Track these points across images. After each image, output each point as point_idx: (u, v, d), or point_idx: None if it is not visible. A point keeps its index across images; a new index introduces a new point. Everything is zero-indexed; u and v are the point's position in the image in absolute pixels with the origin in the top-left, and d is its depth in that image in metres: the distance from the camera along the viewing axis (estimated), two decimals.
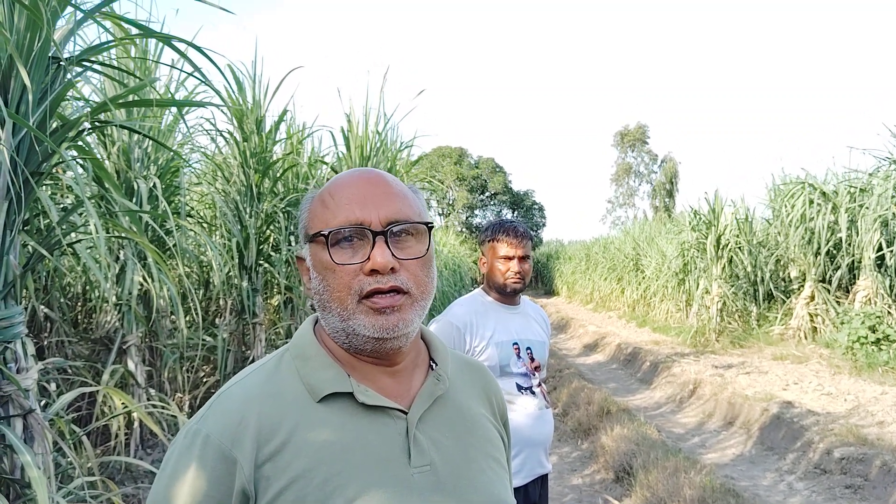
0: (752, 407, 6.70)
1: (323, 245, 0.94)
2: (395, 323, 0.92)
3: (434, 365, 1.05)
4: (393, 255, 0.92)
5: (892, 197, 9.54)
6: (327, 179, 7.40)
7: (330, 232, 0.93)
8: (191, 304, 5.53)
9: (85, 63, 2.51)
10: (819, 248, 10.57)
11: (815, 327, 10.49)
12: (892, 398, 6.81)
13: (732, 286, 11.82)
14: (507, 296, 2.62)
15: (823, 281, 10.72)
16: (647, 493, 4.51)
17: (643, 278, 17.64)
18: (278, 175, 6.07)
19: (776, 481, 5.19)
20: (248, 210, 5.70)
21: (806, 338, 10.46)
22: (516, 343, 2.53)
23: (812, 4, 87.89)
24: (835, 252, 10.70)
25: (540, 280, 38.57)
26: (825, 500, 4.71)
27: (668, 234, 16.59)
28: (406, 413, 0.95)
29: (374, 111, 7.07)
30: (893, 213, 9.45)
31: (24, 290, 4.01)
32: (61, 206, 4.19)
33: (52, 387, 3.97)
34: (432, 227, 0.99)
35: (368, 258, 0.91)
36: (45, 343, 4.57)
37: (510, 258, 2.56)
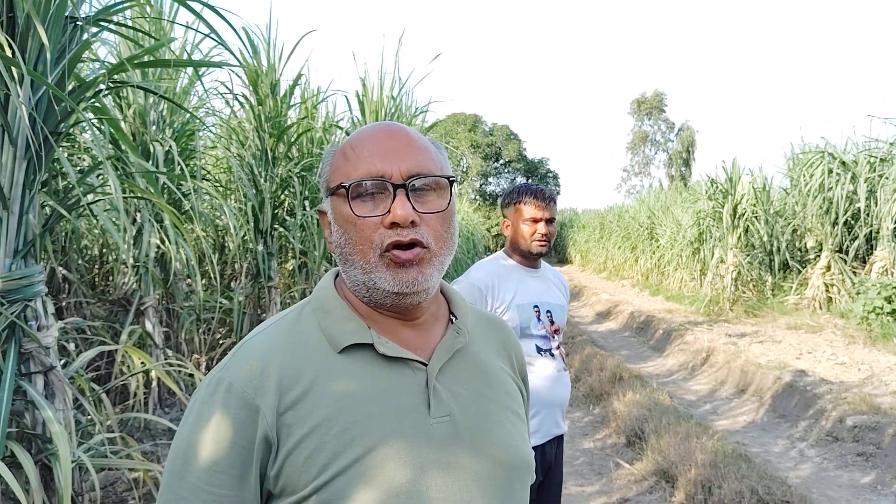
0: (764, 375, 6.71)
1: (344, 198, 0.94)
2: (415, 277, 0.92)
3: (454, 318, 1.05)
4: (413, 208, 0.92)
5: None
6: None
7: (351, 184, 0.92)
8: (207, 268, 5.58)
9: (101, 23, 2.51)
10: (837, 217, 10.46)
11: (831, 297, 10.43)
12: None
13: (748, 255, 11.76)
14: (529, 259, 2.63)
15: (840, 251, 10.63)
16: (659, 457, 4.54)
17: (657, 247, 17.57)
18: (293, 139, 6.07)
19: (787, 448, 5.21)
20: (262, 174, 5.71)
21: (821, 308, 10.41)
22: (537, 306, 2.54)
23: None
24: (852, 222, 10.59)
25: (553, 248, 38.53)
26: (836, 467, 4.73)
27: (684, 202, 16.49)
28: (426, 365, 0.96)
29: (389, 76, 7.03)
30: None
31: (44, 251, 4.06)
32: (78, 167, 4.21)
33: (72, 346, 4.04)
34: (454, 181, 0.99)
35: (389, 211, 0.91)
36: (64, 304, 4.64)
37: (537, 220, 2.56)
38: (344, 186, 0.93)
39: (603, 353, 8.45)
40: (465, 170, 47.97)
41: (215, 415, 0.87)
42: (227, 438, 0.86)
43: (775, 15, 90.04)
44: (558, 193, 52.98)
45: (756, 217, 11.86)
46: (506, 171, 51.31)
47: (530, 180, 50.30)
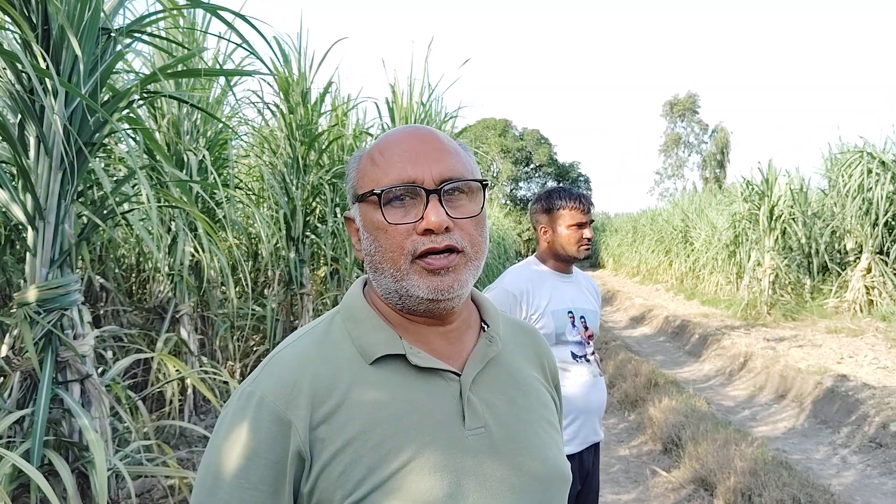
0: (804, 380, 6.55)
1: (374, 204, 0.91)
2: (451, 284, 0.90)
3: (486, 326, 1.02)
4: (447, 213, 0.90)
5: None
6: None
7: (382, 191, 0.90)
8: (240, 275, 5.63)
9: (134, 34, 2.54)
10: (877, 218, 10.21)
11: (872, 300, 10.18)
12: None
13: (785, 258, 11.53)
14: (564, 264, 2.61)
15: (881, 253, 10.37)
16: (697, 464, 4.45)
17: (692, 250, 17.34)
18: (324, 147, 6.10)
19: (829, 455, 5.08)
20: (294, 182, 5.75)
21: (861, 311, 10.16)
22: (571, 311, 2.52)
23: None
24: (893, 223, 10.33)
25: (590, 250, 38.26)
26: (881, 474, 4.59)
27: (719, 205, 16.24)
28: (459, 375, 0.94)
29: (419, 82, 7.06)
30: None
31: (80, 260, 4.12)
32: (114, 177, 4.28)
33: (109, 354, 4.09)
34: (486, 184, 0.97)
35: (422, 217, 0.89)
36: (101, 312, 4.71)
37: (581, 225, 2.54)
38: (376, 193, 0.91)
39: (637, 358, 8.34)
40: (495, 175, 47.94)
41: (246, 429, 0.86)
42: (258, 454, 0.84)
43: (810, 15, 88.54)
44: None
45: (793, 219, 11.62)
46: (536, 175, 51.19)
47: (562, 184, 50.08)
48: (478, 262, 0.94)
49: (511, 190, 49.85)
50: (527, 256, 2.75)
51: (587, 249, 2.58)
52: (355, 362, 0.91)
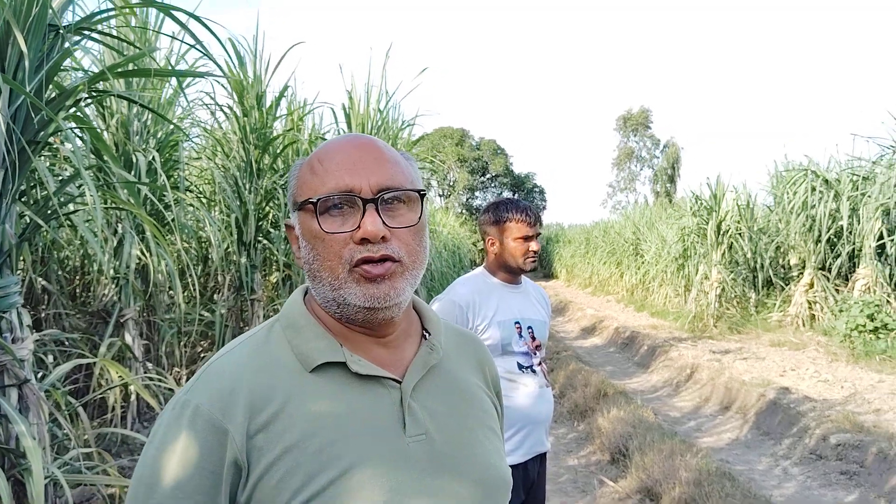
0: (748, 392, 6.71)
1: (311, 213, 0.91)
2: (387, 292, 0.89)
3: (427, 335, 1.03)
4: (384, 223, 0.89)
5: (895, 186, 9.51)
6: None
7: (319, 199, 0.90)
8: (189, 280, 5.52)
9: (83, 31, 2.48)
10: (820, 235, 10.54)
11: (814, 315, 10.49)
12: (889, 386, 6.82)
13: (732, 272, 11.82)
14: (513, 275, 2.62)
15: (823, 269, 10.70)
16: (643, 474, 4.52)
17: (642, 263, 17.64)
18: (278, 151, 6.04)
19: (771, 466, 5.20)
20: (247, 186, 5.67)
21: (804, 325, 10.46)
22: (518, 322, 2.52)
23: None
24: (835, 240, 10.68)
25: (539, 263, 38.60)
26: (820, 486, 4.72)
27: (669, 219, 16.56)
28: (400, 382, 0.93)
29: (376, 88, 7.05)
30: None
31: (22, 262, 3.99)
32: (60, 177, 4.16)
33: (50, 359, 3.97)
34: (425, 194, 0.96)
35: (359, 226, 0.89)
36: (43, 315, 4.56)
37: (528, 238, 2.55)
38: (311, 202, 0.91)
39: (588, 368, 8.43)
40: (451, 184, 48.08)
41: (181, 439, 0.84)
42: (193, 463, 0.83)
43: (760, 34, 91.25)
44: (545, 208, 53.27)
45: (740, 234, 11.93)
46: (492, 185, 51.50)
47: (516, 195, 50.51)
48: (416, 271, 0.94)
49: (467, 199, 50.02)
50: (481, 265, 2.76)
51: (533, 262, 2.59)
52: (294, 370, 0.90)
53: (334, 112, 6.89)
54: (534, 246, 2.57)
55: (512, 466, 2.35)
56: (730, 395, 6.99)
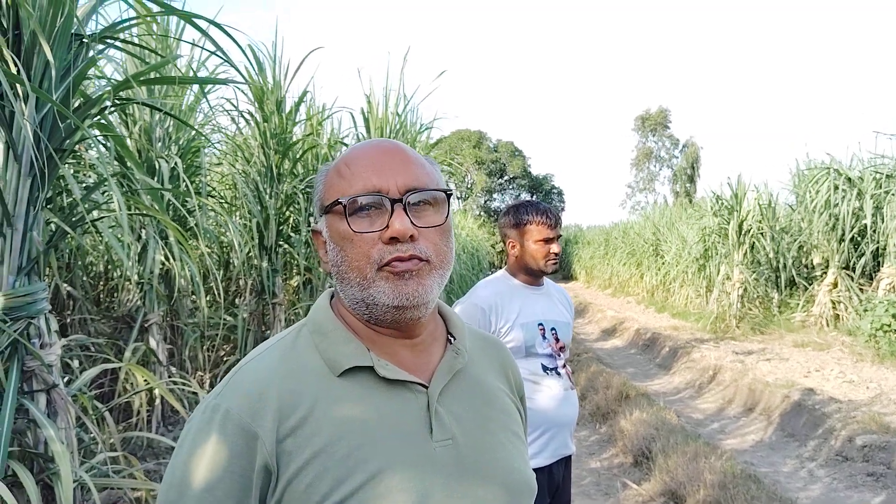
0: (772, 393, 6.64)
1: (340, 215, 0.92)
2: (415, 289, 0.90)
3: (452, 339, 1.04)
4: (412, 222, 0.91)
5: None
6: None
7: (347, 200, 0.91)
8: (211, 284, 5.56)
9: (107, 40, 2.51)
10: (843, 234, 10.42)
11: (838, 315, 10.37)
12: None
13: (754, 272, 11.71)
14: (535, 277, 2.61)
15: (847, 268, 10.58)
16: (667, 477, 4.48)
17: (662, 264, 17.53)
18: (298, 156, 6.07)
19: (797, 468, 5.15)
20: (267, 191, 5.71)
21: (828, 325, 10.34)
22: (541, 324, 2.52)
23: None
24: (859, 239, 10.55)
25: (559, 265, 38.42)
26: (846, 488, 4.66)
27: (689, 219, 16.45)
28: (426, 387, 0.94)
29: (394, 92, 7.06)
30: None
31: (48, 268, 4.05)
32: (84, 185, 4.21)
33: (76, 364, 4.02)
34: (451, 194, 0.98)
35: (387, 226, 0.90)
36: (69, 321, 4.62)
37: (550, 240, 2.55)
38: (341, 203, 0.92)
39: (609, 370, 8.39)
40: (469, 186, 48.06)
41: (211, 443, 0.85)
42: (224, 467, 0.84)
43: (780, 32, 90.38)
44: (563, 210, 53.08)
45: (762, 233, 11.82)
46: (510, 187, 51.42)
47: (535, 197, 50.43)
48: (443, 271, 0.95)
49: (485, 201, 49.97)
50: (499, 268, 2.75)
51: (555, 264, 2.59)
52: (322, 375, 0.91)
53: (353, 116, 6.92)
54: (555, 248, 2.56)
55: (537, 469, 2.35)
56: (753, 396, 6.92)
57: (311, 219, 5.98)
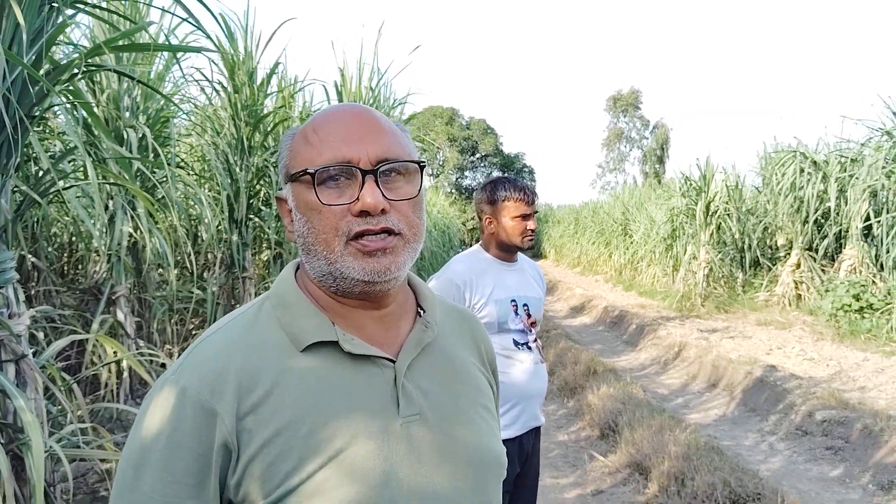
0: (735, 370, 6.80)
1: (308, 184, 0.88)
2: (388, 266, 0.87)
3: (421, 311, 1.01)
4: (383, 195, 0.87)
5: (883, 168, 9.58)
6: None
7: (316, 171, 0.87)
8: (180, 257, 5.51)
9: (77, 5, 2.45)
10: (807, 216, 10.64)
11: (800, 294, 10.61)
12: (873, 364, 6.94)
13: (720, 252, 11.92)
14: (509, 253, 2.64)
15: (810, 249, 10.81)
16: (632, 449, 4.58)
17: (631, 243, 17.74)
18: (269, 129, 6.01)
19: (758, 441, 5.29)
20: (238, 163, 5.65)
21: (790, 305, 10.58)
22: (514, 300, 2.55)
23: None
24: (822, 221, 10.78)
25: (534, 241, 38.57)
26: (806, 461, 4.81)
27: (658, 199, 16.64)
28: (394, 362, 0.92)
29: (368, 66, 7.02)
30: (883, 185, 9.49)
31: (14, 238, 3.97)
32: (49, 153, 4.13)
33: (41, 336, 3.96)
34: (424, 166, 0.94)
35: (357, 198, 0.86)
36: (33, 292, 4.55)
37: (526, 217, 2.57)
38: (309, 173, 0.87)
39: (577, 347, 8.51)
40: (441, 163, 47.96)
41: (169, 421, 0.82)
42: (182, 445, 0.81)
43: (750, 14, 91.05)
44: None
45: (728, 215, 12.02)
46: (482, 165, 51.43)
47: (506, 174, 50.48)
48: (415, 244, 0.92)
49: (457, 179, 49.94)
50: (471, 245, 2.77)
51: (531, 240, 2.62)
52: (285, 349, 0.88)
53: (326, 90, 6.89)
54: (531, 224, 2.59)
55: (508, 440, 2.41)
56: (717, 372, 7.08)
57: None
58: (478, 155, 50.90)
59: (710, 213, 11.92)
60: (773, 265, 11.54)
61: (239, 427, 0.82)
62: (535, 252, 35.78)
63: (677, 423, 5.01)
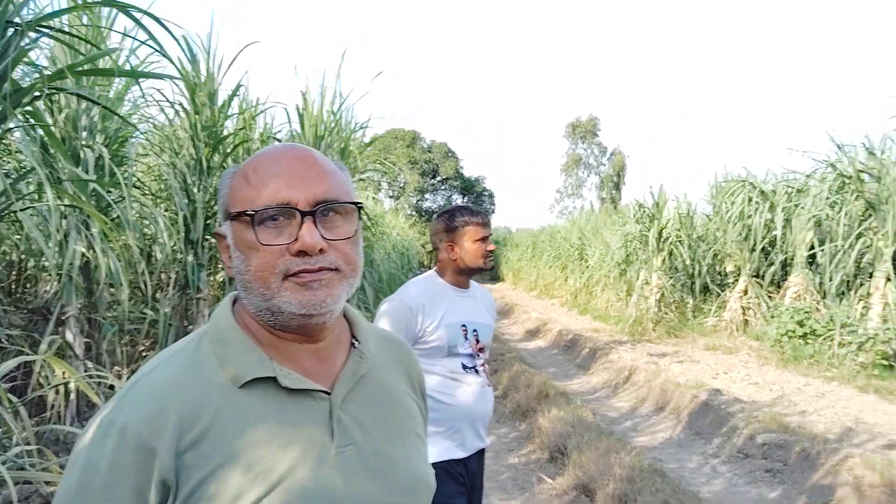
0: (682, 394, 6.98)
1: (247, 224, 0.90)
2: (323, 298, 0.90)
3: (356, 343, 1.03)
4: (322, 235, 0.90)
5: (827, 198, 10.00)
6: None
7: (256, 212, 0.89)
8: (133, 278, 5.47)
9: (41, 28, 2.49)
10: (755, 244, 11.01)
11: (747, 320, 10.93)
12: (814, 389, 7.19)
13: (671, 278, 12.21)
14: (465, 278, 2.74)
15: (757, 276, 11.17)
16: (580, 471, 4.68)
17: (586, 267, 17.99)
18: (229, 150, 6.03)
19: (701, 464, 5.45)
20: (196, 184, 5.65)
21: (738, 330, 10.89)
22: (464, 325, 2.64)
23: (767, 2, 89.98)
24: (769, 249, 11.16)
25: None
26: (746, 483, 4.97)
27: (613, 225, 16.94)
28: (329, 394, 0.94)
29: (331, 90, 7.10)
30: (827, 214, 9.90)
31: None
32: (4, 171, 4.09)
33: None
34: (361, 206, 0.98)
35: (296, 238, 0.89)
36: None
37: (485, 239, 2.69)
38: (248, 214, 0.90)
39: (531, 370, 8.61)
40: (402, 185, 48.05)
41: (107, 458, 0.82)
42: (120, 483, 0.82)
43: (706, 47, 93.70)
44: (493, 212, 53.67)
45: (680, 241, 12.34)
46: (442, 188, 51.62)
47: (466, 198, 50.86)
48: (353, 279, 0.95)
49: (417, 201, 50.04)
50: (430, 268, 2.88)
51: (491, 261, 2.76)
52: (224, 386, 0.89)
53: (288, 113, 6.92)
54: (489, 246, 2.73)
55: (455, 461, 2.50)
56: (665, 396, 7.25)
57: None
58: (438, 178, 51.11)
59: (662, 240, 12.23)
60: (722, 291, 11.87)
61: (178, 464, 0.83)
62: (493, 275, 35.97)
63: (623, 446, 5.14)
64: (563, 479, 4.83)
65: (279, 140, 7.29)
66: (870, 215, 9.00)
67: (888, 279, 8.33)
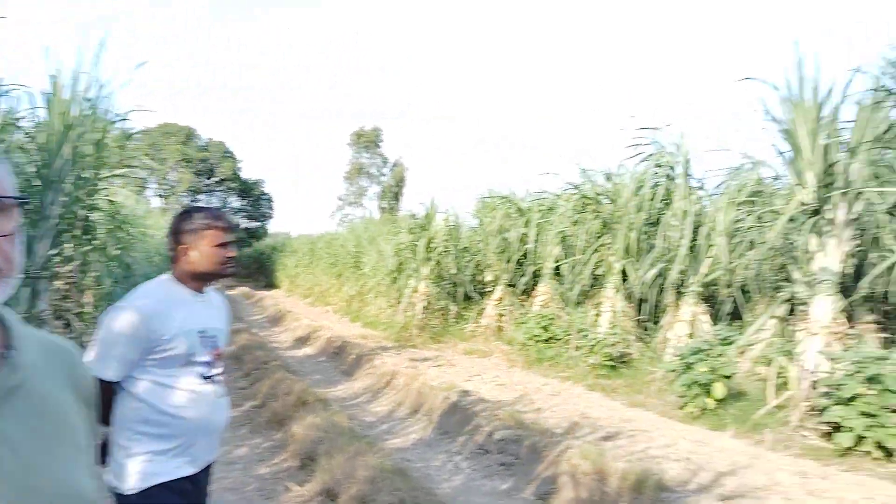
0: (435, 396, 7.34)
1: None
2: None
3: (5, 352, 0.95)
4: None
5: (570, 217, 11.09)
6: (21, 147, 6.58)
7: None
8: None
9: None
10: (511, 256, 11.91)
11: (501, 326, 11.78)
12: (552, 388, 7.93)
13: (438, 286, 12.80)
14: (203, 283, 2.60)
15: (512, 285, 12.07)
16: (326, 476, 4.74)
17: (361, 275, 18.24)
18: None
19: (445, 461, 5.77)
20: None
21: (493, 335, 11.69)
22: (202, 332, 2.52)
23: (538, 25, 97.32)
24: (523, 260, 12.13)
25: (262, 272, 37.71)
26: (483, 476, 5.35)
27: (389, 234, 17.38)
28: None
29: (86, 76, 6.60)
30: (571, 231, 10.98)
31: None
32: None
33: None
34: (26, 201, 0.94)
35: None
36: None
37: (226, 244, 2.57)
38: None
39: (293, 378, 8.53)
40: (173, 184, 45.34)
41: None
42: None
43: (490, 68, 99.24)
44: (271, 217, 52.51)
45: (447, 251, 13.00)
46: (219, 189, 49.59)
47: (244, 202, 49.26)
48: (12, 279, 0.91)
49: (191, 202, 47.53)
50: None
51: (233, 267, 2.64)
52: None
53: (33, 97, 6.32)
54: (230, 252, 2.61)
55: (186, 478, 2.39)
56: (420, 398, 7.57)
57: None
58: (214, 178, 49.02)
59: (431, 250, 12.79)
60: (482, 299, 12.68)
61: None
62: (269, 282, 35.09)
63: (371, 448, 5.29)
64: (310, 485, 4.86)
65: (22, 128, 6.62)
66: (605, 233, 10.13)
67: (617, 290, 9.43)
